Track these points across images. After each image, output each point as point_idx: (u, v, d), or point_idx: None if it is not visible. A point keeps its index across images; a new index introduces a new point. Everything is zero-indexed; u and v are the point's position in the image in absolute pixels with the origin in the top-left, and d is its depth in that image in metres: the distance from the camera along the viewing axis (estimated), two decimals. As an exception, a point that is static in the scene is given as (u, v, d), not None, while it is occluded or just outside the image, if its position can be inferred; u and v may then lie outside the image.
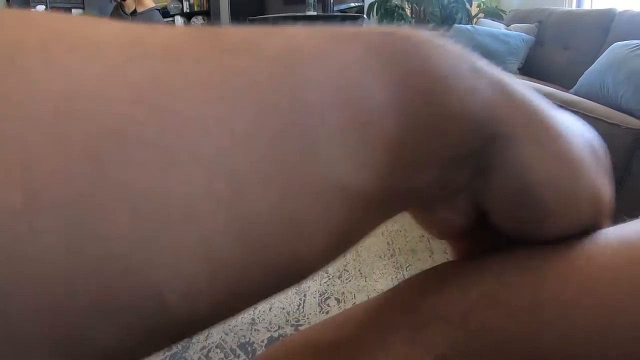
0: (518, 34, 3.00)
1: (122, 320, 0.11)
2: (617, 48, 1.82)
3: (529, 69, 2.91)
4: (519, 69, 2.95)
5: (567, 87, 1.88)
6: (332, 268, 1.64)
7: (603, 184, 0.19)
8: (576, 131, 0.19)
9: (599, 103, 1.57)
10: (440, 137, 0.16)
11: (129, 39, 0.12)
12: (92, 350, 0.11)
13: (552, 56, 2.86)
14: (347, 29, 0.16)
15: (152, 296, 0.11)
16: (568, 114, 0.20)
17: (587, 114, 1.48)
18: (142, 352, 0.13)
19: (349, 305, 1.50)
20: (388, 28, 0.16)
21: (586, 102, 1.58)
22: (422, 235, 1.91)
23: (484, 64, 0.17)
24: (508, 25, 3.26)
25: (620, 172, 1.33)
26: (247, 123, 0.12)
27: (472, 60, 0.17)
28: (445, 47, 0.16)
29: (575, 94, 1.79)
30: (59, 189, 0.10)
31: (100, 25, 0.12)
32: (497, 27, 3.19)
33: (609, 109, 1.50)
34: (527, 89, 0.18)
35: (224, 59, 0.13)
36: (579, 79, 1.98)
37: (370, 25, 0.17)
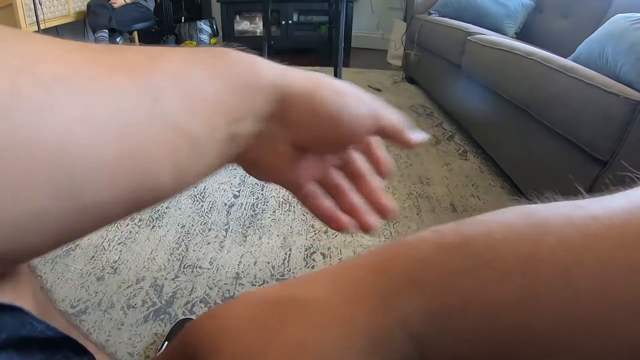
0: (517, -2, 2.94)
1: None
2: (619, 19, 1.79)
3: (527, 35, 2.87)
4: (516, 33, 2.91)
5: (564, 56, 1.84)
6: (319, 223, 1.64)
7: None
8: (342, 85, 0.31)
9: (597, 72, 1.55)
10: (251, 99, 0.27)
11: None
12: None
13: (550, 23, 2.82)
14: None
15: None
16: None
17: (585, 80, 1.46)
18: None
19: (334, 261, 1.50)
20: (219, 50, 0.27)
21: (584, 69, 1.56)
22: (410, 193, 1.91)
23: (266, 61, 0.29)
24: (507, -11, 3.19)
25: (615, 143, 1.32)
26: (123, 85, 0.20)
27: (258, 60, 0.28)
28: (239, 55, 0.28)
29: (573, 61, 1.76)
30: None
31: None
32: (497, -10, 3.12)
33: (607, 78, 1.48)
34: (299, 71, 0.30)
35: (110, 55, 0.22)
36: (578, 47, 1.96)
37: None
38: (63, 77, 0.18)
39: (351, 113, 0.29)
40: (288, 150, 0.31)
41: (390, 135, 0.32)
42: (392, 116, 0.32)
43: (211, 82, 0.24)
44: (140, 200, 0.22)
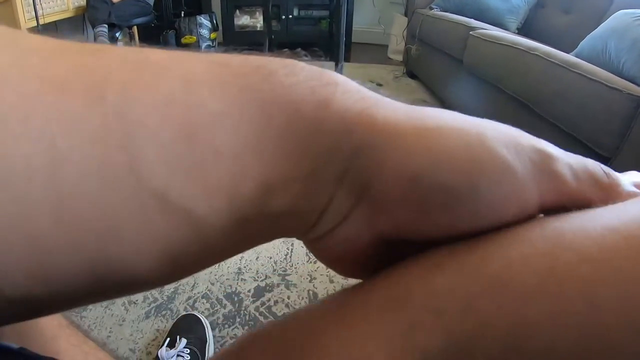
0: (519, -7, 2.92)
1: None
2: (622, 15, 1.78)
3: (528, 30, 2.87)
4: (518, 28, 2.90)
5: (566, 52, 1.84)
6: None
7: (519, 164, 0.17)
8: (459, 118, 0.18)
9: (600, 68, 1.54)
10: (291, 155, 0.16)
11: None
12: None
13: (552, 19, 2.81)
14: (210, 55, 0.17)
15: None
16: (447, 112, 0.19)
17: (588, 76, 1.46)
18: None
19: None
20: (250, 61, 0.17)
21: (587, 64, 1.56)
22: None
23: (341, 78, 0.18)
24: (509, -17, 3.17)
25: (618, 139, 1.32)
26: (75, 109, 0.13)
27: (327, 76, 0.17)
28: (295, 67, 0.17)
29: (576, 57, 1.76)
30: None
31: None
32: (498, -16, 3.10)
33: (609, 73, 1.47)
34: (386, 99, 0.18)
35: (74, 57, 0.14)
36: (581, 43, 1.95)
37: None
38: None
39: (501, 184, 0.17)
40: (373, 243, 0.19)
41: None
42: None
43: (231, 116, 0.15)
44: (101, 292, 0.15)
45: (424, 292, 0.16)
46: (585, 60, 1.64)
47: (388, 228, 0.18)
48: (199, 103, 0.15)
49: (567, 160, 0.18)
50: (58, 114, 0.13)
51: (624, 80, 1.40)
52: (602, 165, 0.20)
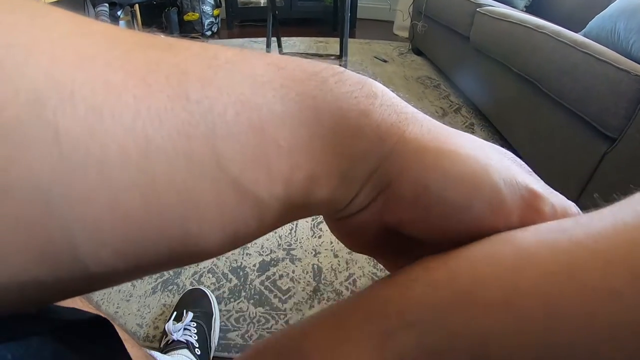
0: (528, -30, 2.86)
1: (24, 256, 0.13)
2: (631, -4, 1.75)
3: (537, 8, 2.81)
4: (526, 6, 2.86)
5: (574, 31, 1.81)
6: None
7: (522, 178, 0.21)
8: (471, 139, 0.22)
9: (608, 48, 1.52)
10: (335, 154, 0.19)
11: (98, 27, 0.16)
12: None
13: (561, -4, 2.76)
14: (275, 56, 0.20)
15: (61, 228, 0.13)
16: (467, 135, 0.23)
17: (596, 56, 1.44)
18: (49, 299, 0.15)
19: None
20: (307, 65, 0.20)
21: (595, 44, 1.54)
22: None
23: (380, 90, 0.21)
24: (518, -41, 3.11)
25: (624, 120, 1.31)
26: (162, 103, 0.15)
27: (369, 88, 0.20)
28: (343, 75, 0.20)
29: (584, 36, 1.74)
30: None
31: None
32: (507, -40, 3.04)
33: (618, 54, 1.45)
34: (422, 114, 0.22)
35: (151, 51, 0.16)
36: (589, 23, 1.92)
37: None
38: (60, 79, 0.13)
39: (488, 200, 0.20)
40: (380, 229, 0.23)
41: None
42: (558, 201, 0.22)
43: (291, 117, 0.18)
44: (168, 263, 0.17)
45: (398, 305, 0.19)
46: (594, 40, 1.62)
47: (394, 222, 0.22)
48: (266, 103, 0.17)
49: (551, 200, 0.21)
50: (146, 107, 0.14)
51: (632, 62, 1.39)
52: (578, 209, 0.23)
